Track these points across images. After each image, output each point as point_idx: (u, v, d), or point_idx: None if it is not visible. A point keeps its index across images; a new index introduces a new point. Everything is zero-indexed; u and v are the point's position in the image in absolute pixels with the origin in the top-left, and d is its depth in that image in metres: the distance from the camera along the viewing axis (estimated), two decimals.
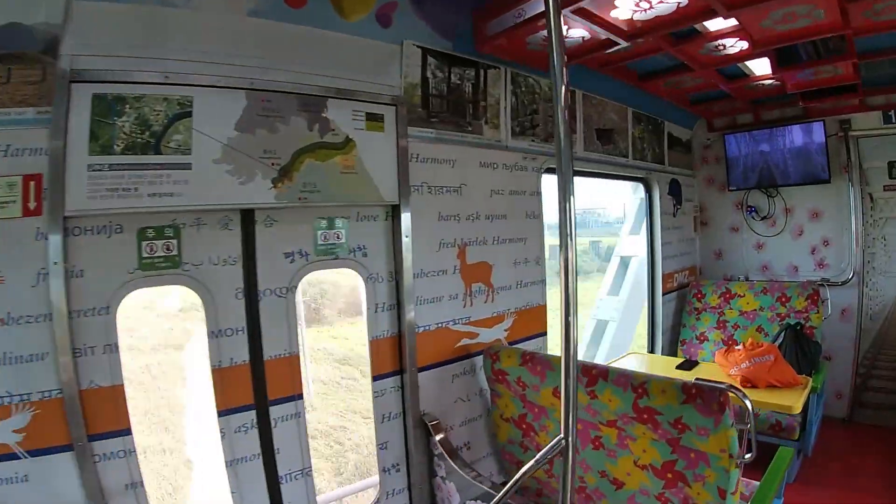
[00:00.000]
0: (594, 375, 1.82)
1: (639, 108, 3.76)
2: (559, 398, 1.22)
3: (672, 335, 4.18)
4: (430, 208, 2.36)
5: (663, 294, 4.09)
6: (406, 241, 2.19)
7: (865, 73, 3.08)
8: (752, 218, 4.44)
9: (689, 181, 4.55)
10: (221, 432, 1.76)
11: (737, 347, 3.13)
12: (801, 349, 3.30)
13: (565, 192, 1.22)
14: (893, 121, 3.74)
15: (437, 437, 2.20)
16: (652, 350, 4.13)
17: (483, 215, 2.60)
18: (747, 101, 3.91)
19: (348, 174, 2.03)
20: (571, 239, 1.21)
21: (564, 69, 1.20)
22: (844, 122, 3.88)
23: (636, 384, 1.74)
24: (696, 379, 1.75)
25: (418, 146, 2.31)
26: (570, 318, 1.20)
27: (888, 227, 3.95)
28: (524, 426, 2.20)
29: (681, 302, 4.25)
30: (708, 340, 3.99)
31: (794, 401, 2.67)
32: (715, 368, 3.17)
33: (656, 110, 3.89)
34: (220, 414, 1.76)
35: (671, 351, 4.10)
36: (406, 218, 2.19)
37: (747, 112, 4.23)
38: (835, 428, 3.79)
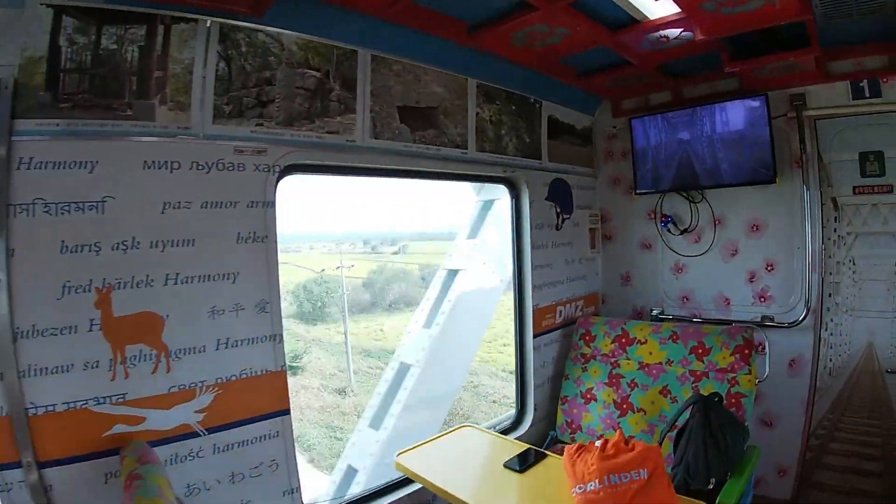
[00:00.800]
0: None
1: (494, 82, 3.03)
2: None
3: (553, 388, 3.39)
4: (47, 236, 1.73)
5: (537, 335, 3.34)
6: None
7: (823, 20, 2.38)
8: (669, 231, 3.62)
9: (588, 182, 3.89)
10: None
11: (596, 443, 2.02)
12: (713, 441, 2.25)
13: None
14: (867, 94, 2.95)
15: None
16: (521, 410, 3.38)
17: (147, 242, 1.87)
18: (656, 69, 3.11)
19: None
20: None
21: None
22: (797, 98, 3.11)
23: None
24: None
25: (33, 146, 1.70)
26: None
27: (860, 247, 3.08)
28: None
29: (567, 343, 3.40)
30: (596, 401, 3.16)
31: None
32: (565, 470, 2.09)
33: (528, 86, 3.18)
34: None
35: (551, 409, 3.34)
36: None
37: (663, 88, 3.53)
38: None
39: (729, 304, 3.42)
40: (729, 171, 3.27)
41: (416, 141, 2.75)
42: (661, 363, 3.12)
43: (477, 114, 3.06)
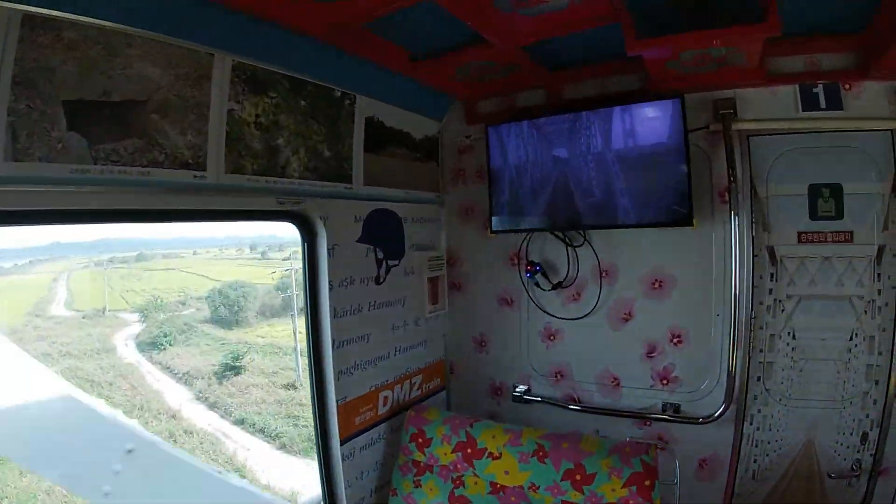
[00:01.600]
0: None
1: (266, 62, 2.11)
2: None
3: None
4: None
5: (347, 439, 2.55)
6: None
7: None
8: (538, 285, 3.00)
9: (430, 212, 3.18)
10: None
11: None
12: None
13: None
14: (822, 105, 2.42)
15: None
16: None
17: None
18: (525, 54, 2.48)
19: None
20: None
21: None
22: (724, 104, 2.52)
23: None
24: None
25: None
26: None
27: (803, 316, 2.52)
28: None
29: (397, 439, 2.68)
30: None
31: None
32: None
33: (331, 71, 2.38)
34: None
35: None
36: None
37: (536, 85, 2.93)
38: None
39: (619, 385, 2.85)
40: (625, 206, 2.63)
41: (100, 160, 1.68)
42: (521, 487, 2.33)
43: (231, 111, 2.04)
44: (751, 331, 2.50)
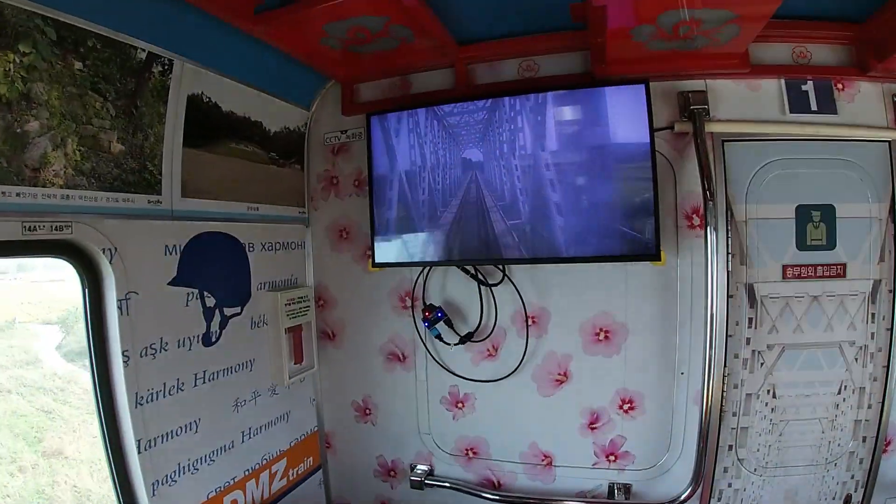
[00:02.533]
0: None
1: None
2: None
3: None
4: None
5: None
6: None
7: None
8: (440, 338, 2.50)
9: (290, 235, 2.62)
10: None
11: None
12: None
13: None
14: (813, 107, 2.20)
15: None
16: None
17: None
18: (419, 4, 1.94)
19: None
20: None
21: None
22: (693, 98, 2.22)
23: None
24: None
25: None
26: None
27: (786, 369, 2.28)
28: None
29: None
30: None
31: None
32: None
33: (134, 22, 1.76)
34: None
35: None
36: None
37: (436, 61, 2.46)
38: None
39: (551, 464, 2.49)
40: (564, 232, 2.20)
41: None
42: None
43: None
44: (723, 391, 2.21)
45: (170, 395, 1.92)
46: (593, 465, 2.45)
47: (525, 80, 2.38)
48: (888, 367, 2.23)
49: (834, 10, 1.95)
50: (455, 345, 2.47)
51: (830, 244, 2.20)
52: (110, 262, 1.71)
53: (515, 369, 2.45)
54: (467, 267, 2.44)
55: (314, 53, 2.27)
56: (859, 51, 2.17)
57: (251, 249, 2.32)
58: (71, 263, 1.72)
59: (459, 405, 2.59)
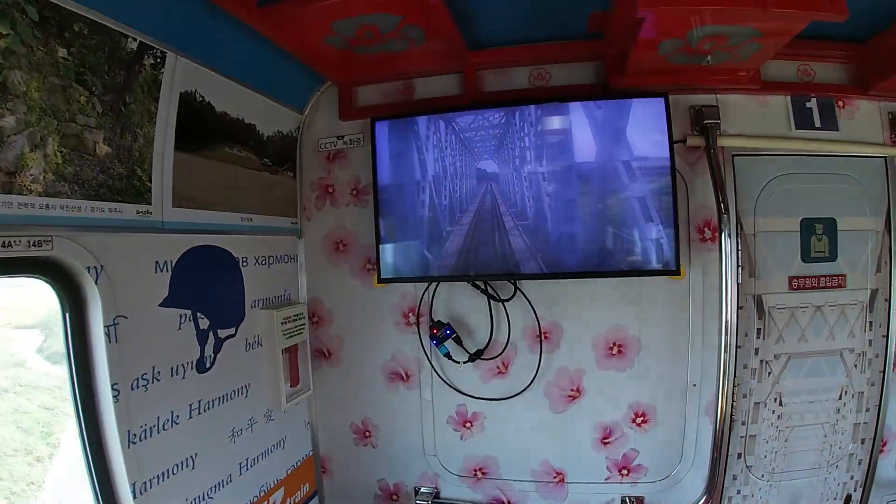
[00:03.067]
0: None
1: None
2: None
3: None
4: None
5: None
6: None
7: None
8: (449, 356, 2.36)
9: (283, 247, 2.42)
10: None
11: None
12: None
13: None
14: (817, 124, 2.24)
15: None
16: None
17: None
18: (440, 7, 1.82)
19: None
20: None
21: None
22: (706, 112, 2.21)
23: None
24: None
25: None
26: None
27: (792, 377, 2.32)
28: None
29: None
30: None
31: None
32: None
33: (127, 7, 1.52)
34: None
35: None
36: None
37: (448, 65, 2.35)
38: None
39: (563, 481, 2.44)
40: (587, 247, 2.14)
41: None
42: None
43: None
44: (732, 401, 2.20)
45: (164, 430, 1.70)
46: (606, 479, 2.41)
47: (537, 88, 2.32)
48: (884, 371, 2.32)
49: (838, 29, 1.98)
50: (465, 363, 2.35)
51: (832, 256, 2.27)
52: (96, 283, 1.48)
53: (528, 386, 2.37)
54: (477, 282, 2.32)
55: (314, 52, 2.10)
56: (860, 69, 2.24)
57: (245, 264, 2.12)
58: (50, 284, 1.47)
59: (468, 425, 2.48)
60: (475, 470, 2.50)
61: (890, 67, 2.12)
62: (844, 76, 2.29)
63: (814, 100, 2.25)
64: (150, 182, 1.69)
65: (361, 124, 2.40)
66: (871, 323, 2.32)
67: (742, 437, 2.34)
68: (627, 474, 2.41)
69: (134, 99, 1.60)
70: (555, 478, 2.45)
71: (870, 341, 2.32)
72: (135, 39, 1.56)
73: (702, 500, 2.24)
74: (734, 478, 2.36)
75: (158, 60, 1.66)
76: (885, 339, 2.31)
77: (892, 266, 2.29)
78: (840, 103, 2.28)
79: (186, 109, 1.79)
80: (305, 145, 2.50)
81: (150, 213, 1.69)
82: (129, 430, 1.55)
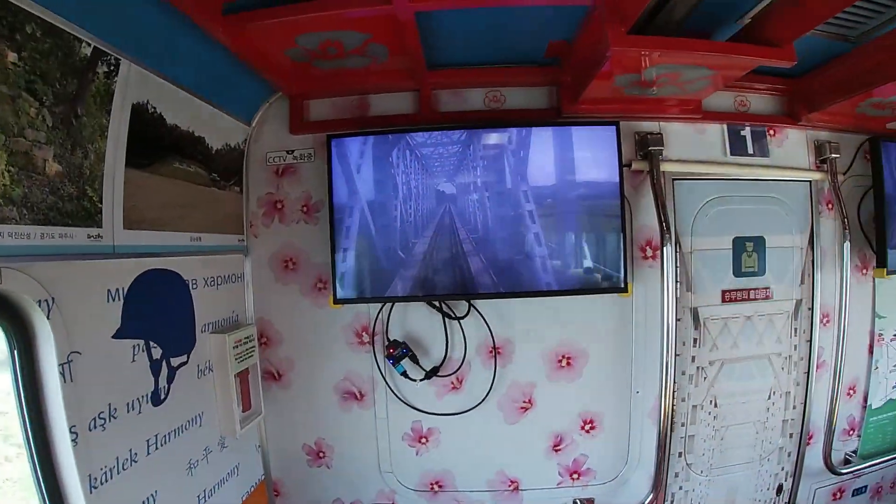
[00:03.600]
0: None
1: None
2: None
3: None
4: None
5: None
6: None
7: None
8: (405, 374, 2.36)
9: (230, 265, 2.29)
10: None
11: None
12: None
13: None
14: (751, 151, 2.48)
15: None
16: None
17: None
18: (409, 26, 1.80)
19: None
20: None
21: None
22: (650, 139, 2.35)
23: None
24: None
25: None
26: None
27: (725, 381, 2.53)
28: None
29: None
30: None
31: None
32: None
33: (80, 8, 1.38)
34: None
35: None
36: None
37: (404, 86, 2.36)
38: None
39: (518, 489, 2.51)
40: (543, 266, 2.22)
41: None
42: None
43: None
44: (673, 405, 2.36)
45: (124, 469, 1.57)
46: (558, 484, 2.51)
47: (492, 111, 2.37)
48: (808, 372, 2.59)
49: (774, 66, 2.15)
50: (421, 380, 2.35)
51: (761, 271, 2.49)
52: (48, 318, 1.34)
53: (482, 401, 2.41)
54: (433, 301, 2.34)
55: (271, 63, 2.03)
56: (791, 102, 2.49)
57: (194, 286, 1.99)
58: None
59: (423, 440, 2.48)
60: (432, 484, 2.51)
61: (818, 101, 2.37)
62: (776, 107, 2.52)
63: (748, 128, 2.47)
64: (101, 203, 1.55)
65: (313, 139, 2.34)
66: (795, 329, 2.57)
67: (682, 437, 2.52)
68: (578, 478, 2.51)
69: (86, 111, 1.46)
70: (510, 486, 2.51)
71: (795, 346, 2.58)
72: (89, 44, 1.42)
73: (648, 498, 2.39)
74: (676, 475, 2.53)
75: (112, 68, 1.53)
76: (808, 343, 2.58)
77: (815, 278, 2.53)
78: (771, 132, 2.51)
79: (138, 122, 1.65)
80: (253, 159, 2.40)
81: (101, 238, 1.55)
82: (89, 475, 1.43)
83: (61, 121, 1.38)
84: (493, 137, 2.19)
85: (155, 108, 1.75)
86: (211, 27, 1.68)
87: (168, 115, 1.81)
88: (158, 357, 1.78)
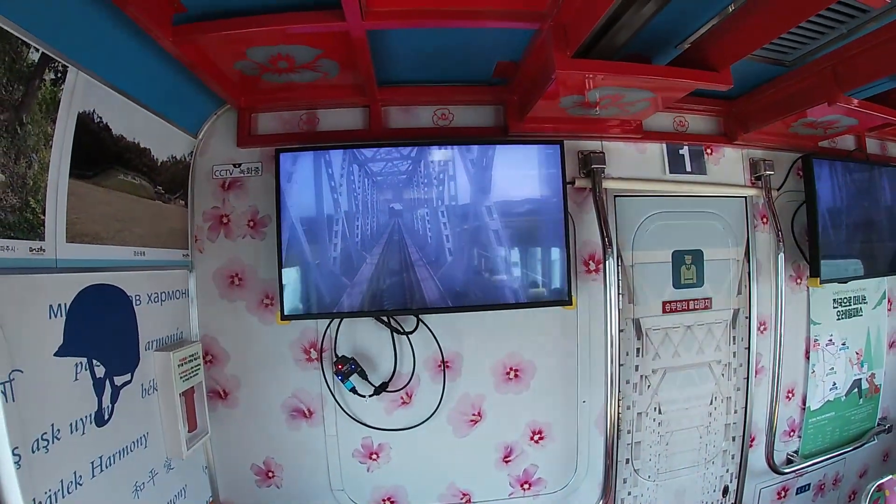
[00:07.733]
0: None
1: None
2: None
3: None
4: None
5: None
6: None
7: None
8: (354, 390, 2.41)
9: (174, 281, 2.32)
10: None
11: None
12: None
13: None
14: (688, 169, 2.71)
15: None
16: None
17: None
18: (360, 44, 1.90)
19: None
20: None
21: None
22: (593, 158, 2.54)
23: None
24: None
25: None
26: None
27: (668, 389, 2.74)
28: None
29: None
30: None
31: None
32: None
33: (27, 10, 1.41)
34: None
35: None
36: None
37: (354, 102, 2.49)
38: None
39: (470, 501, 2.62)
40: (491, 281, 2.35)
41: None
42: None
43: None
44: (618, 413, 2.51)
45: (69, 493, 1.59)
46: (510, 495, 2.62)
47: (441, 128, 2.50)
48: (748, 378, 2.83)
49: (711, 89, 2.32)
50: (370, 396, 2.42)
51: (700, 282, 2.71)
52: None
53: (431, 415, 2.51)
54: (382, 316, 2.42)
55: (219, 75, 2.10)
56: (727, 122, 2.75)
57: (138, 302, 2.02)
58: None
59: (374, 456, 2.56)
60: (384, 500, 2.58)
61: (752, 121, 2.62)
62: (713, 127, 2.77)
63: (686, 147, 2.69)
64: (44, 215, 1.58)
65: (260, 152, 2.41)
66: (734, 337, 2.81)
67: (629, 444, 2.70)
68: (529, 488, 2.64)
69: (31, 119, 1.49)
70: (462, 499, 2.61)
71: (734, 353, 2.81)
72: (37, 49, 1.46)
73: (601, 502, 2.52)
74: (624, 481, 2.70)
75: (59, 75, 1.56)
76: (746, 350, 2.83)
77: (751, 289, 2.77)
78: (708, 150, 2.74)
79: (83, 132, 1.69)
80: (198, 172, 2.43)
81: (44, 251, 1.58)
82: (34, 499, 1.45)
83: (5, 128, 1.39)
84: (440, 154, 2.30)
85: (101, 117, 1.77)
86: (161, 37, 1.73)
87: (114, 124, 1.84)
88: (102, 375, 1.79)
